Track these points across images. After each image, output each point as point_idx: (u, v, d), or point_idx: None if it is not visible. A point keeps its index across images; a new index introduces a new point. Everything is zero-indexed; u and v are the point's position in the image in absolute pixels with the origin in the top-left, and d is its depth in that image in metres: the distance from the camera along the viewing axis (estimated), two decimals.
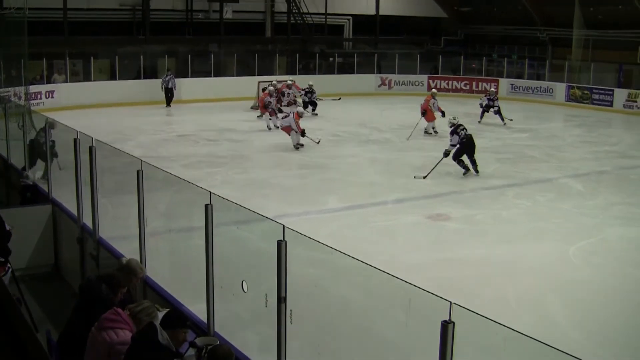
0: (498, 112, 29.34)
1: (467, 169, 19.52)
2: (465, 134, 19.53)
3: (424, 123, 26.52)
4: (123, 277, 7.47)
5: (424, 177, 19.07)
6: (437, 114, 26.57)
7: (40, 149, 15.00)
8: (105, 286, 7.14)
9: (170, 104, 32.96)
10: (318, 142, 23.45)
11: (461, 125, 19.71)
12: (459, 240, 14.16)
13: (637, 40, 35.46)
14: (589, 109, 35.02)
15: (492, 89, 33.84)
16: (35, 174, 14.41)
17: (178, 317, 6.57)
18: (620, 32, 35.95)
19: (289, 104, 29.05)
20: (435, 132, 26.56)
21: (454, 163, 19.47)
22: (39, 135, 15.38)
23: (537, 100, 37.82)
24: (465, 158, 19.57)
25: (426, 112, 26.68)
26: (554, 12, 39.88)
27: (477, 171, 19.58)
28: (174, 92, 33.23)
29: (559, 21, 39.06)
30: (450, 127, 19.73)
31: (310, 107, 30.92)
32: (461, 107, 33.98)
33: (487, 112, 29.55)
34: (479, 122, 29.30)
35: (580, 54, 38.12)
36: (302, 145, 23.03)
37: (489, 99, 29.61)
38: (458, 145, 19.47)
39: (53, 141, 14.14)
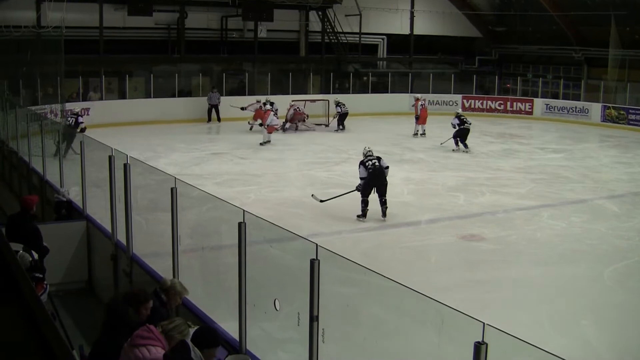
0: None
1: (364, 213, 16.73)
2: (373, 164, 16.67)
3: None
4: (169, 296, 7.55)
5: (321, 201, 17.47)
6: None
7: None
8: (132, 309, 7.17)
9: (220, 120, 34.40)
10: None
11: (371, 156, 16.91)
12: (492, 261, 14.07)
13: None
14: (625, 130, 34.70)
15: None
16: (70, 191, 14.50)
17: (210, 334, 6.58)
18: None
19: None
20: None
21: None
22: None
23: (572, 121, 37.54)
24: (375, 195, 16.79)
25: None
26: (589, 32, 39.64)
27: (384, 214, 16.77)
28: (219, 108, 34.47)
29: (595, 41, 38.80)
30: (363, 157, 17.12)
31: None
32: (495, 128, 33.98)
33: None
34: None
35: (616, 74, 37.84)
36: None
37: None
38: (366, 178, 16.74)
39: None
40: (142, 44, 36.30)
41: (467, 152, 26.74)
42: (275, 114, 29.12)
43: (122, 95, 34.28)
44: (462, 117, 27.29)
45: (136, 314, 7.11)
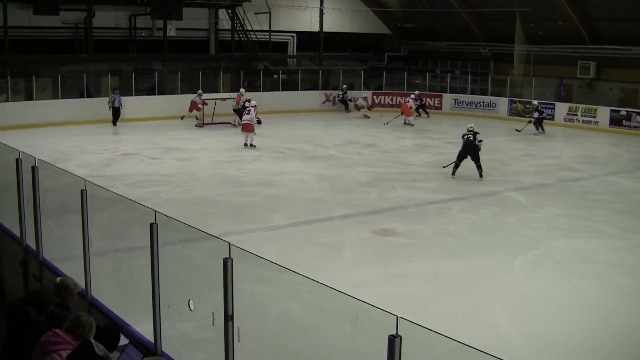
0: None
1: (453, 171, 21.90)
2: (467, 138, 21.80)
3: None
4: (61, 296, 7.38)
5: (443, 167, 22.59)
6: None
7: None
8: (32, 309, 7.00)
9: (117, 123, 32.81)
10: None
11: (471, 131, 21.92)
12: (405, 255, 14.23)
13: (577, 55, 36.12)
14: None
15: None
16: None
17: (113, 330, 6.54)
18: (560, 47, 36.57)
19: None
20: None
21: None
22: None
23: (480, 115, 38.24)
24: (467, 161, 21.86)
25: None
26: (495, 28, 40.41)
27: (480, 175, 21.55)
28: (121, 110, 33.09)
29: (501, 37, 39.57)
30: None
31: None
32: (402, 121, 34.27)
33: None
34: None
35: (521, 68, 38.71)
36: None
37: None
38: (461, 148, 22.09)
39: None
40: (49, 44, 35.50)
41: (537, 133, 32.64)
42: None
43: (29, 97, 33.42)
44: (539, 108, 33.22)
45: (39, 313, 6.96)
